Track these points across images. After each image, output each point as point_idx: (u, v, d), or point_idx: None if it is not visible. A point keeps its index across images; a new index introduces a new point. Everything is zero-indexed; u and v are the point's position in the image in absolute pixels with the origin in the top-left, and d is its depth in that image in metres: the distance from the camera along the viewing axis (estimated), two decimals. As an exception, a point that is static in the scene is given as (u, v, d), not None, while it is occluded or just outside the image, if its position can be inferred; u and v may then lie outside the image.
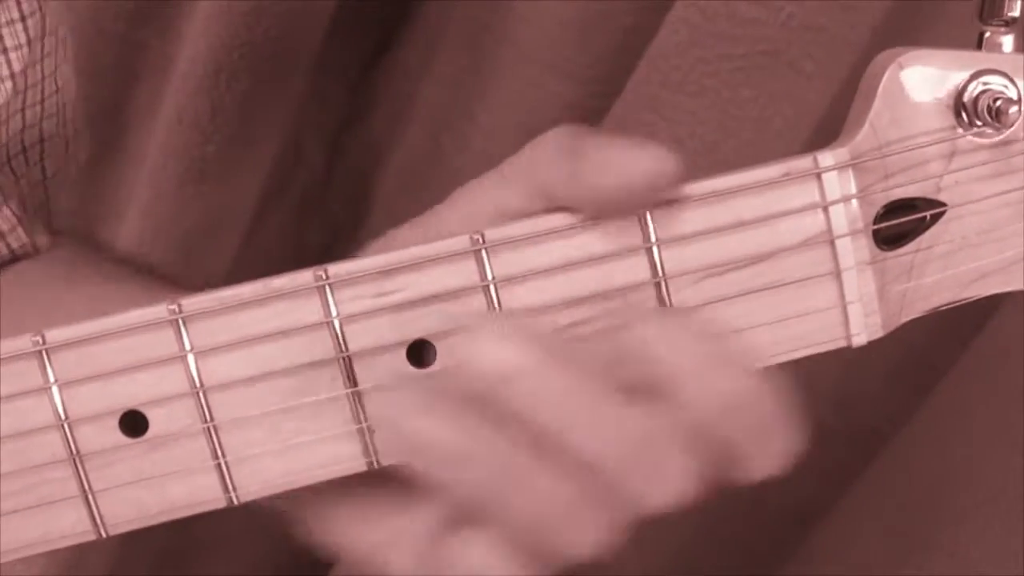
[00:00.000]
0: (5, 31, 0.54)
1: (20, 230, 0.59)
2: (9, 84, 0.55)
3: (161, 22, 0.82)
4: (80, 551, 0.81)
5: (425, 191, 0.81)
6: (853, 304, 0.42)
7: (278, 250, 0.85)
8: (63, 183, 0.65)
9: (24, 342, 0.40)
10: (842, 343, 0.42)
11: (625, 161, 0.39)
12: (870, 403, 0.73)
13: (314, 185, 0.85)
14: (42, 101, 0.58)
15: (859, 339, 0.42)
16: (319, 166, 0.85)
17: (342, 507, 0.45)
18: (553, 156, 0.41)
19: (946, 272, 0.42)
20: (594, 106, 0.75)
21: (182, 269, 0.82)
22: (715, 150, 0.70)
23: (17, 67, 0.55)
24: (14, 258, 0.59)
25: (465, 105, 0.80)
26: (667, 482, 0.40)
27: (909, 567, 0.67)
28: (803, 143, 0.68)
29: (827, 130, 0.68)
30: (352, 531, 0.44)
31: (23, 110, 0.57)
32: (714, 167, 0.69)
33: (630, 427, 0.39)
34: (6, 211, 0.58)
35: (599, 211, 0.40)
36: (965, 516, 0.65)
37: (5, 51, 0.54)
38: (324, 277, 0.40)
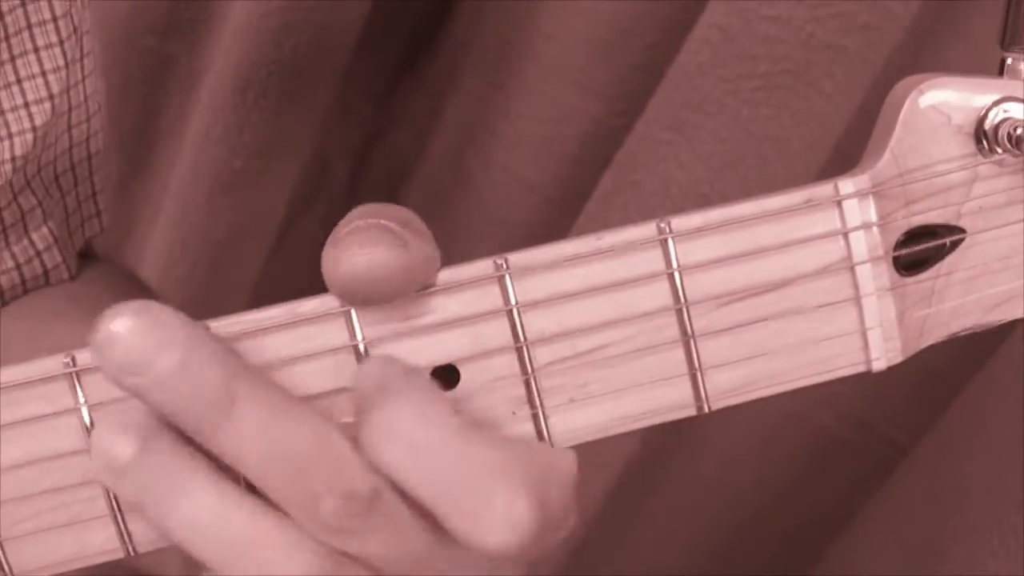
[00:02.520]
0: (44, 54, 0.55)
1: (55, 250, 0.59)
2: (48, 105, 0.55)
3: (190, 37, 0.83)
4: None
5: (449, 204, 0.82)
6: (873, 330, 0.42)
7: (304, 263, 0.86)
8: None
9: (55, 364, 0.40)
10: (862, 368, 0.43)
11: (356, 253, 0.38)
12: (890, 419, 0.73)
13: (339, 199, 0.86)
14: (88, 120, 0.59)
15: (879, 364, 0.42)
16: (344, 180, 0.86)
17: None
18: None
19: (966, 298, 0.43)
20: (616, 123, 0.75)
21: (209, 280, 0.83)
22: (735, 168, 0.70)
23: (56, 88, 0.55)
24: (47, 279, 0.59)
25: (489, 120, 0.81)
26: None
27: (927, 578, 0.68)
28: (822, 161, 0.69)
29: (846, 149, 0.68)
30: None
31: (69, 130, 0.58)
32: (734, 184, 0.70)
33: None
34: (44, 230, 0.59)
35: (343, 299, 0.40)
36: (981, 529, 0.66)
37: (44, 73, 0.55)
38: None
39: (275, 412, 0.38)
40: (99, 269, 0.63)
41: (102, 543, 0.41)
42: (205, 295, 0.83)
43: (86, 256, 0.62)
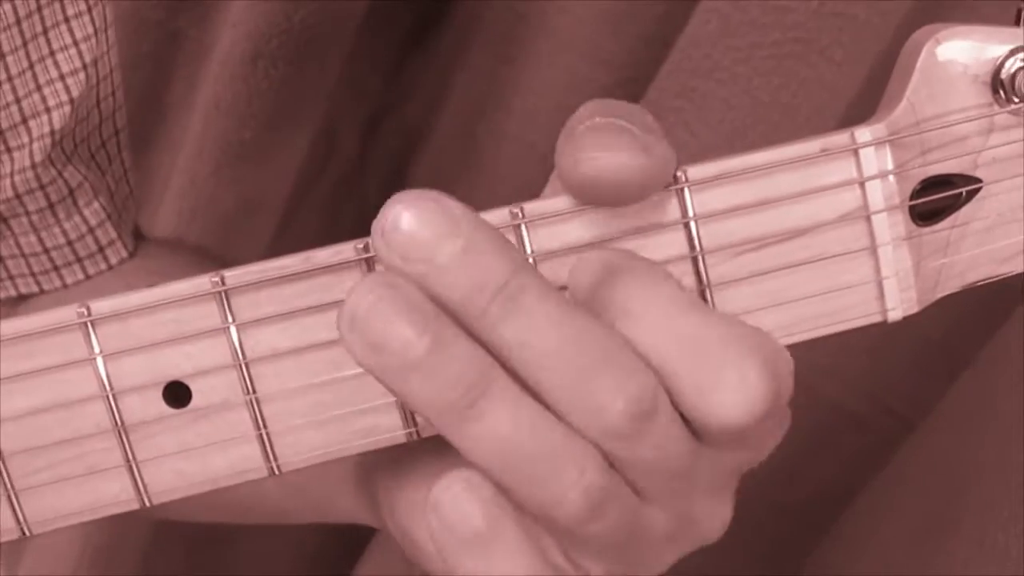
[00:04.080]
0: (74, 24, 0.54)
1: (108, 225, 0.59)
2: (82, 75, 0.55)
3: (198, 10, 0.83)
4: (112, 542, 0.81)
5: (460, 177, 0.82)
6: (889, 279, 0.42)
7: (314, 235, 0.86)
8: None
9: (69, 313, 0.40)
10: (877, 318, 0.43)
11: (599, 156, 0.38)
12: (897, 391, 0.73)
13: (349, 171, 0.86)
14: (113, 93, 0.58)
15: (894, 314, 0.42)
16: (354, 153, 0.86)
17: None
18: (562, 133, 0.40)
19: (982, 248, 0.43)
20: (627, 93, 0.75)
21: (219, 252, 0.82)
22: (744, 136, 0.70)
23: (88, 58, 0.55)
24: (105, 258, 0.59)
25: (499, 92, 0.80)
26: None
27: (935, 553, 0.67)
28: (832, 129, 0.68)
29: (855, 117, 0.68)
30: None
31: (99, 104, 0.57)
32: (744, 151, 0.69)
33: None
34: (96, 205, 0.58)
35: (578, 197, 0.40)
36: (990, 502, 0.65)
37: (76, 43, 0.55)
38: (365, 250, 0.41)
39: (563, 307, 0.37)
40: (158, 246, 0.63)
41: (116, 494, 0.41)
42: (215, 267, 0.83)
43: (140, 237, 0.62)
